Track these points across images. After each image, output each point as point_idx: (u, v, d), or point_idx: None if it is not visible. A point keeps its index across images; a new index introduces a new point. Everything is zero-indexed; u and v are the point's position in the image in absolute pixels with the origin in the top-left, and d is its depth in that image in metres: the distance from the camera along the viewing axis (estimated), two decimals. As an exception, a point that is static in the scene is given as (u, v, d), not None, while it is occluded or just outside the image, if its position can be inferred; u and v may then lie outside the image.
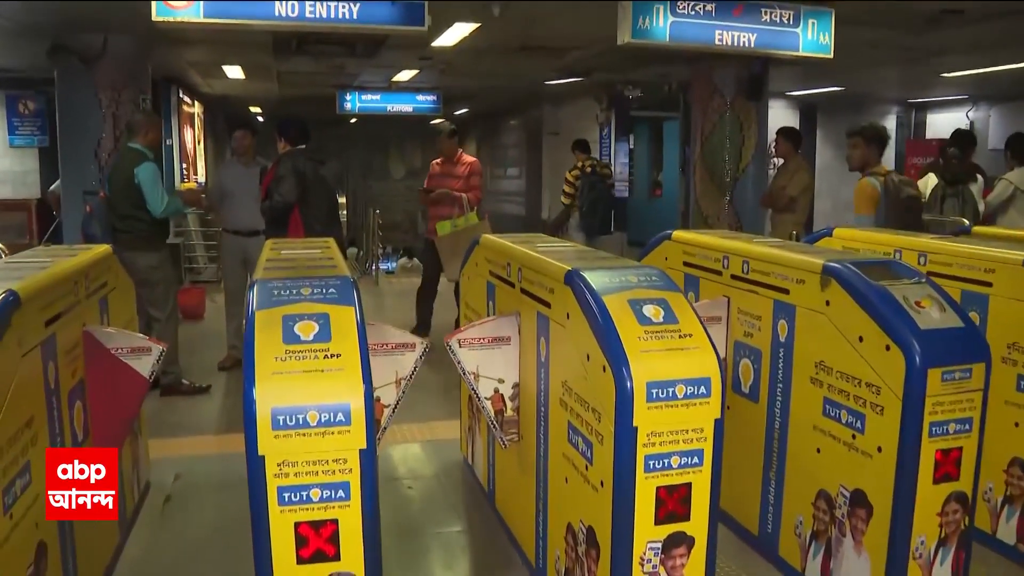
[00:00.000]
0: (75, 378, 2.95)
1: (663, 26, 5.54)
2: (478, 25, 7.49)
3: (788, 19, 5.84)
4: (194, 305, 8.42)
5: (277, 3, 4.81)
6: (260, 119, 21.11)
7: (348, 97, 13.44)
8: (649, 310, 2.40)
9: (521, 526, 3.32)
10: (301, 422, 2.04)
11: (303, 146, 5.84)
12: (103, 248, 3.59)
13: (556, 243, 3.62)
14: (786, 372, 3.13)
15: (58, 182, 8.56)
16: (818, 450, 2.92)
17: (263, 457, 2.04)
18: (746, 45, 5.82)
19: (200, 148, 14.08)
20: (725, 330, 3.55)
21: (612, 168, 14.48)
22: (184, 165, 12.47)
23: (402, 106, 14.03)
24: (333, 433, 2.05)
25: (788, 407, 3.13)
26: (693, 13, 5.61)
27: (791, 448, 3.12)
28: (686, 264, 3.85)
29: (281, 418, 2.04)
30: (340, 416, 2.05)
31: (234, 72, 10.78)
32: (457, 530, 3.81)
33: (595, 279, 2.53)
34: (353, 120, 20.25)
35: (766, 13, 5.79)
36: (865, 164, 5.42)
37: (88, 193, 6.46)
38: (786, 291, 3.11)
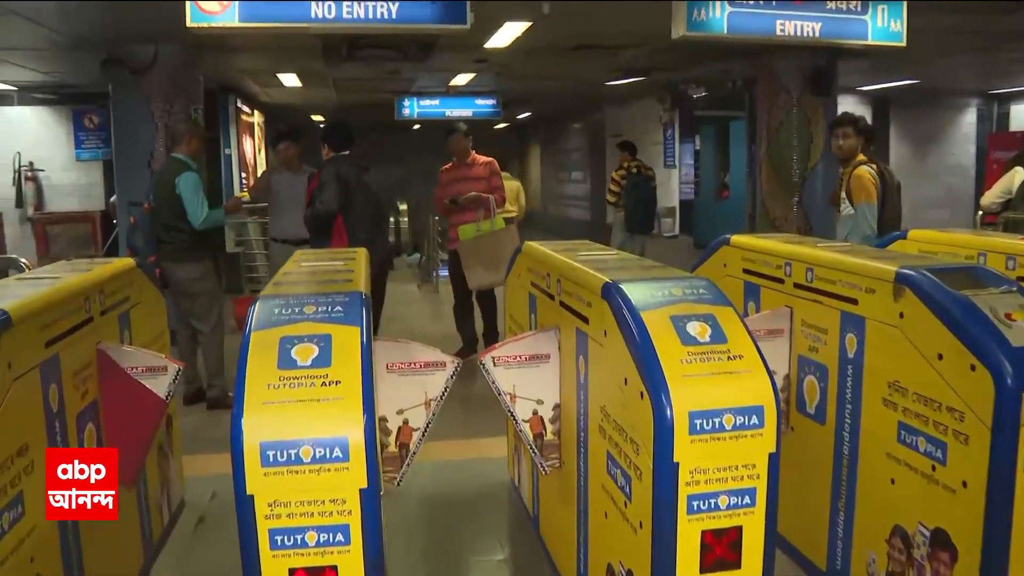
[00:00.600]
0: (85, 400, 2.79)
1: (720, 17, 5.22)
2: (530, 24, 7.26)
3: (856, 5, 5.45)
4: (249, 315, 8.35)
5: (313, 4, 4.65)
6: (322, 127, 21.29)
7: (406, 103, 13.35)
8: (694, 328, 2.12)
9: (563, 559, 3.06)
10: (293, 458, 1.82)
11: (347, 152, 5.68)
12: (125, 261, 3.45)
13: (601, 251, 3.35)
14: (855, 392, 2.81)
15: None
16: (892, 481, 2.59)
17: (252, 497, 1.83)
18: (810, 35, 5.45)
19: (260, 157, 14.13)
20: (788, 344, 3.24)
21: (676, 168, 14.15)
22: (244, 175, 12.52)
23: (461, 111, 13.87)
24: (329, 470, 1.82)
25: (858, 431, 2.81)
26: (752, 2, 5.27)
27: (862, 477, 2.79)
28: (746, 272, 3.55)
29: (271, 453, 1.82)
30: (337, 451, 1.82)
31: (290, 80, 10.76)
32: (498, 559, 3.56)
33: (634, 292, 2.25)
34: (416, 126, 20.22)
35: None
36: (854, 154, 5.39)
37: (133, 204, 6.40)
38: (854, 301, 2.78)
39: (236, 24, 4.66)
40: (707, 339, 2.10)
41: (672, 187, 13.79)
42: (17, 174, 11.05)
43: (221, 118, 11.30)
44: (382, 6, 4.72)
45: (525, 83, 12.56)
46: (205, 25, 4.63)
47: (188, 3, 4.57)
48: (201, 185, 5.37)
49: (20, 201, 11.14)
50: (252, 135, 13.41)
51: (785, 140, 8.88)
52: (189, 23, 4.61)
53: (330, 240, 5.34)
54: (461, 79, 11.70)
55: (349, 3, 4.70)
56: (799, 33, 5.38)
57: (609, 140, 16.85)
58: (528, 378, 2.97)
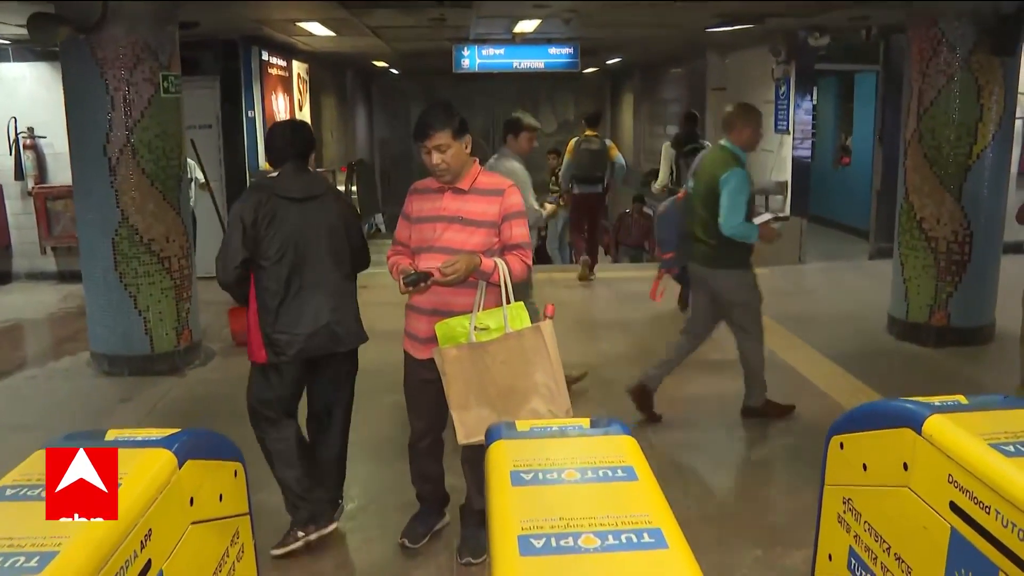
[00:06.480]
0: None
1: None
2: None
3: None
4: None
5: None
6: (394, 72, 19.26)
7: (466, 52, 11.25)
8: None
9: None
10: None
11: (288, 164, 3.53)
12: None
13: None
14: None
15: None
16: None
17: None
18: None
19: (303, 114, 12.27)
20: None
21: (790, 134, 11.78)
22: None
23: (531, 61, 11.69)
24: None
25: None
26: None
27: None
28: (956, 510, 1.60)
29: None
30: None
31: (318, 29, 8.89)
32: None
33: None
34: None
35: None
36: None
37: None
38: None
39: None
40: None
41: (784, 156, 11.42)
42: (14, 142, 9.58)
43: (243, 74, 9.55)
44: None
45: (607, 30, 10.39)
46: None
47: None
48: (747, 187, 4.81)
49: (20, 173, 9.69)
50: (289, 91, 11.56)
51: (943, 116, 6.60)
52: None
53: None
54: (526, 25, 9.60)
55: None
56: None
57: (710, 92, 14.45)
58: None
